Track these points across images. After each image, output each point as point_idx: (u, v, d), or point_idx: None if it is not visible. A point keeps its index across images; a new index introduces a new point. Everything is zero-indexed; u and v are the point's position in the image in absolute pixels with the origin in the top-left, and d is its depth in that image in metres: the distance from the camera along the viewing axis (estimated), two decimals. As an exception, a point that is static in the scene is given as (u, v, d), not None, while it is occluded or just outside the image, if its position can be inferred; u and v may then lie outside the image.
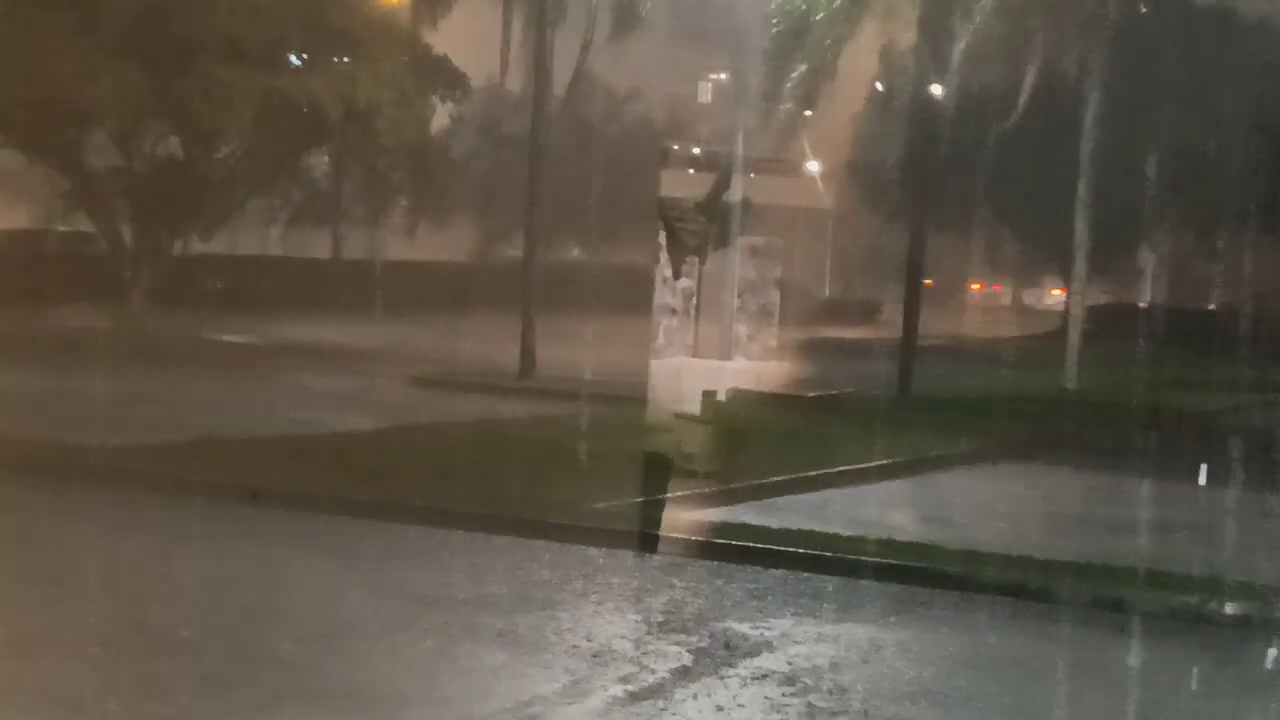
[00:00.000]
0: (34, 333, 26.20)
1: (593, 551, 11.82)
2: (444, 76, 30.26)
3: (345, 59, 28.09)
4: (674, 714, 7.92)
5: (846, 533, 12.53)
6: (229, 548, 11.57)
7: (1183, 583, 11.09)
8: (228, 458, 14.53)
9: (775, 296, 29.65)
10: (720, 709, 8.03)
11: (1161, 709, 8.67)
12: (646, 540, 12.18)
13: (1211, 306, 36.74)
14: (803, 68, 26.32)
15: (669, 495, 13.55)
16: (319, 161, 34.82)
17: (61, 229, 36.50)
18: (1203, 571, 11.45)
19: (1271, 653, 9.95)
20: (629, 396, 19.75)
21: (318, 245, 43.17)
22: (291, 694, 7.97)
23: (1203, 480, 15.25)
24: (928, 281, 31.51)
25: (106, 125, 28.87)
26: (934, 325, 32.46)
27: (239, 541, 11.80)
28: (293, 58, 28.17)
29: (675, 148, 48.46)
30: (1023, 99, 28.60)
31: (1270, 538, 13.81)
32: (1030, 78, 28.21)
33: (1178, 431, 19.94)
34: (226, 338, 29.50)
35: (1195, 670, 9.50)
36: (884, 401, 22.15)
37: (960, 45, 24.63)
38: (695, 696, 8.23)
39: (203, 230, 32.26)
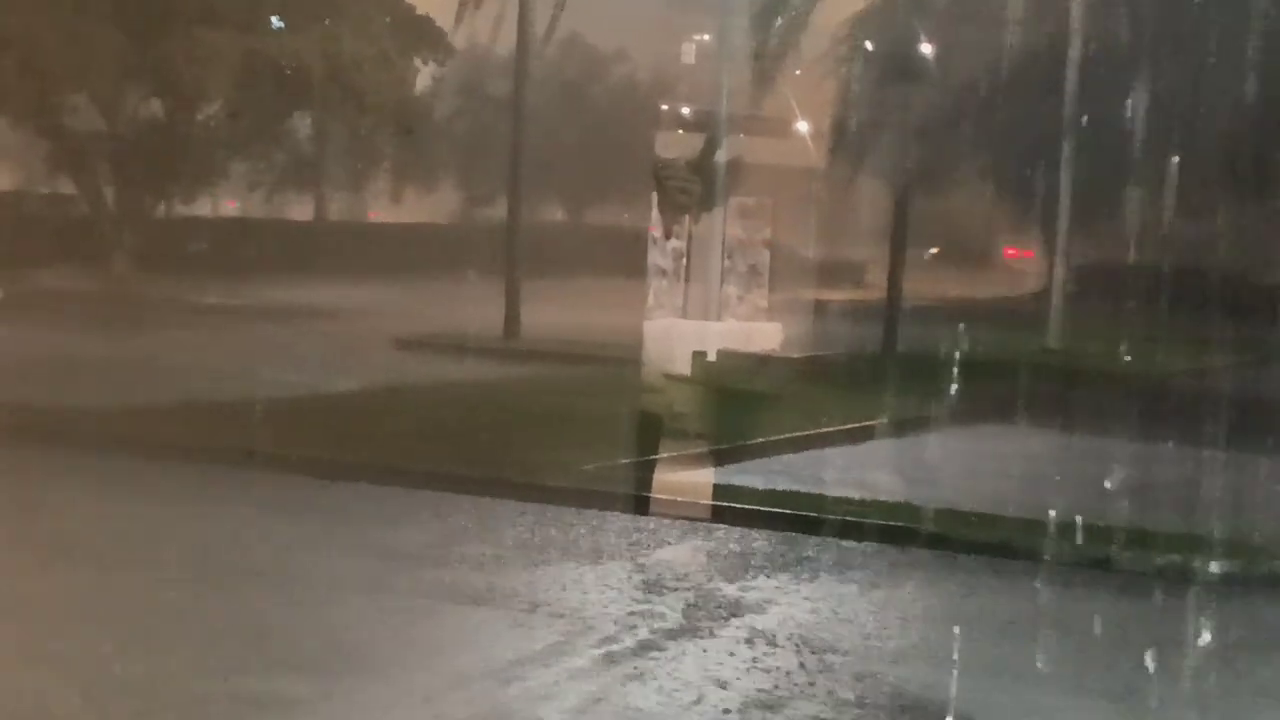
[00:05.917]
0: (14, 295, 26.02)
1: (578, 512, 11.74)
2: (426, 36, 30.04)
3: (327, 20, 27.87)
4: (658, 675, 7.85)
5: (833, 493, 12.47)
6: (209, 509, 11.49)
7: (1165, 542, 11.06)
8: (210, 420, 14.42)
9: (765, 257, 29.52)
10: (705, 670, 7.96)
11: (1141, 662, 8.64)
12: (633, 501, 12.12)
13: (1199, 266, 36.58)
14: (793, 24, 26.09)
15: (656, 456, 13.46)
16: (301, 124, 34.60)
17: (43, 190, 36.27)
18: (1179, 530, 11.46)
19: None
20: (614, 357, 19.68)
21: (301, 207, 42.92)
22: (272, 654, 7.90)
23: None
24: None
25: (88, 87, 28.64)
26: (924, 287, 32.38)
27: (220, 503, 11.71)
28: (274, 19, 27.93)
29: (665, 108, 48.14)
30: (1015, 55, 28.35)
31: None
32: (1023, 36, 27.97)
33: (1157, 392, 20.08)
34: (209, 300, 29.33)
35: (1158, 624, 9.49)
36: (870, 362, 22.16)
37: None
38: (680, 657, 8.16)
39: (185, 192, 32.09)
